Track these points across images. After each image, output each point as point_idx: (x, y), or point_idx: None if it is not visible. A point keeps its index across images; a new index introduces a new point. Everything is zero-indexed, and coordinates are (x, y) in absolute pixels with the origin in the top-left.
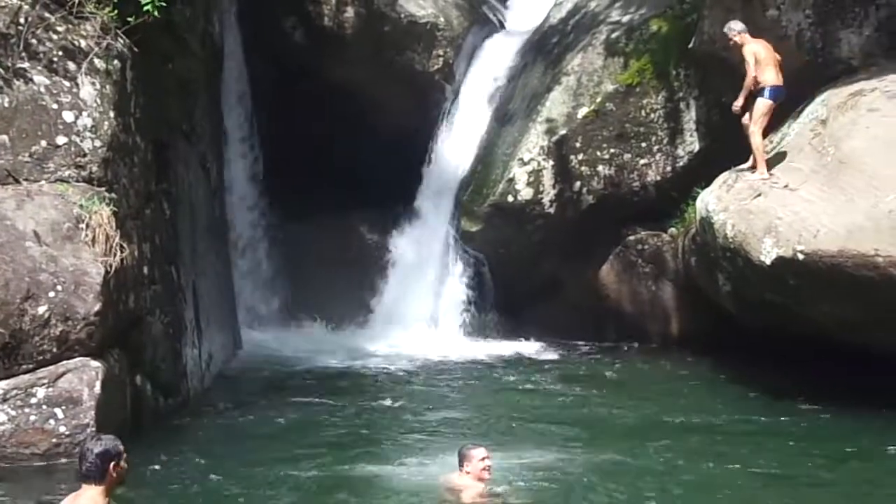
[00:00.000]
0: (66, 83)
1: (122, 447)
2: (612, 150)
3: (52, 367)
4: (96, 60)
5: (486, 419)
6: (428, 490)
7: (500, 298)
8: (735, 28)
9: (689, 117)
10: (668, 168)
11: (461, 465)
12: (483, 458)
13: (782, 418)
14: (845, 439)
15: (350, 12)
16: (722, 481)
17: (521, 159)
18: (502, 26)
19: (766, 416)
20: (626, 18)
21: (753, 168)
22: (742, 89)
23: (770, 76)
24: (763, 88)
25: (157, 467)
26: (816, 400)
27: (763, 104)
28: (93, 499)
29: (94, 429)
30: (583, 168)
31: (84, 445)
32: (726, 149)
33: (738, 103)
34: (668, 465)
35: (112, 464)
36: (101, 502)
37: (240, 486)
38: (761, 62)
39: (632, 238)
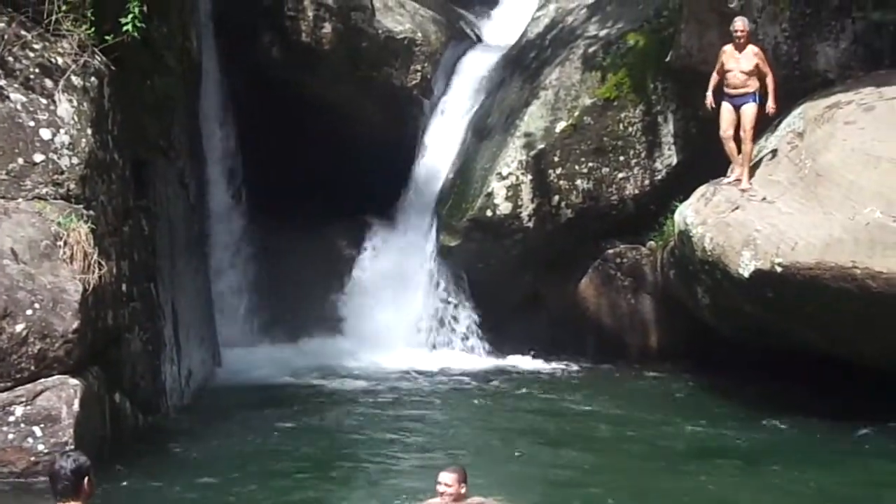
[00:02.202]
0: (44, 100)
1: (90, 462)
2: (590, 164)
3: (30, 385)
4: (73, 78)
5: (463, 436)
6: None
7: (480, 312)
8: (748, 25)
9: (667, 131)
10: (647, 181)
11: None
12: (440, 482)
13: (753, 434)
14: (820, 455)
15: (328, 28)
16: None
17: (500, 174)
18: (480, 41)
19: (733, 430)
20: (603, 33)
21: (738, 180)
22: (773, 92)
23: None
24: (754, 93)
25: (136, 485)
26: (791, 414)
27: (755, 109)
28: None
29: (72, 446)
30: (561, 182)
31: (55, 464)
32: (704, 162)
33: (771, 105)
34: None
35: (86, 479)
36: None
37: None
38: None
39: (611, 251)
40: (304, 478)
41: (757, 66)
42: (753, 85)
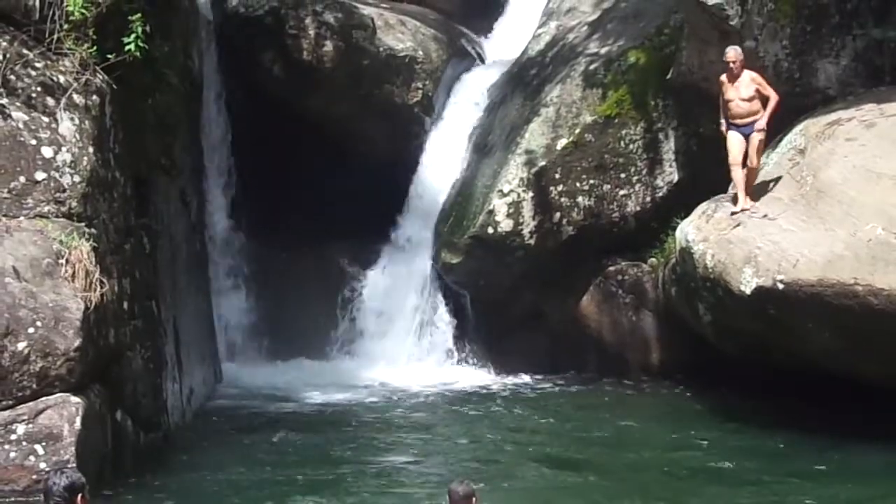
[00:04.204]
0: (45, 119)
1: (84, 480)
2: (591, 181)
3: (31, 404)
4: (75, 96)
5: (464, 454)
6: None
7: (481, 329)
8: (740, 53)
9: (668, 148)
10: (648, 198)
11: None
12: (471, 497)
13: (757, 451)
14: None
15: (329, 46)
16: None
17: (501, 191)
18: (481, 59)
19: (738, 447)
20: (604, 50)
21: (745, 210)
22: (769, 112)
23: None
24: (760, 119)
25: (137, 503)
26: (794, 430)
27: (762, 137)
28: None
29: (74, 464)
30: (562, 199)
31: (49, 480)
32: (705, 179)
33: (762, 124)
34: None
35: (79, 496)
36: None
37: None
38: None
39: (612, 268)
40: (304, 493)
41: (757, 90)
42: (758, 109)
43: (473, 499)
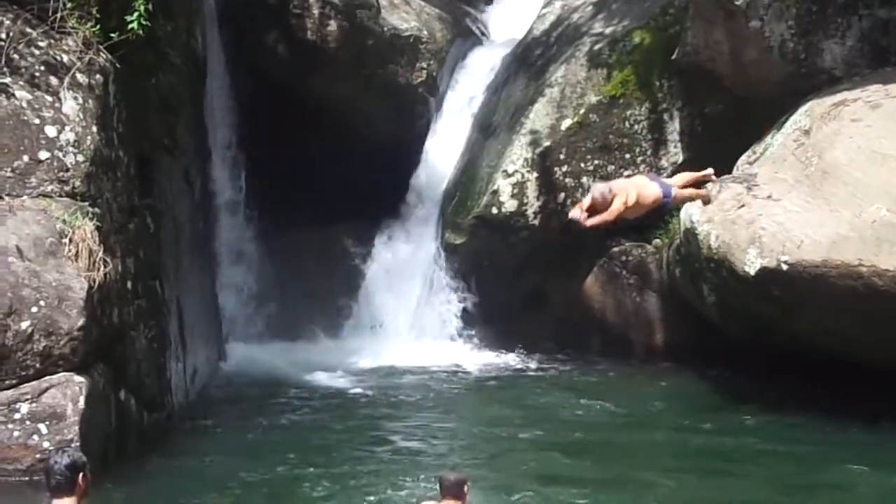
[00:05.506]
0: (49, 98)
1: (85, 459)
2: (595, 162)
3: (35, 383)
4: (78, 75)
5: (468, 436)
6: None
7: (486, 310)
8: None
9: (673, 128)
10: None
11: (441, 491)
12: (463, 484)
13: (765, 432)
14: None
15: (333, 26)
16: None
17: (506, 171)
18: (485, 39)
19: (747, 428)
20: (609, 30)
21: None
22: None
23: None
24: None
25: (140, 482)
26: (801, 410)
27: None
28: None
29: (78, 444)
30: (567, 180)
31: (50, 459)
32: (710, 159)
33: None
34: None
35: (80, 474)
36: None
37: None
38: None
39: (616, 249)
40: (306, 473)
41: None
42: None
43: (466, 486)
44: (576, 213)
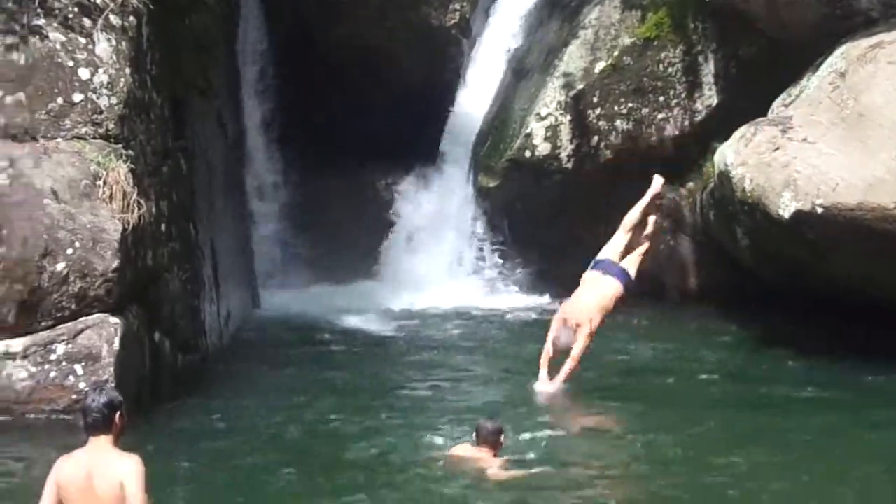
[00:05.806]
0: (82, 40)
1: (121, 398)
2: (629, 105)
3: (70, 324)
4: (112, 17)
5: (505, 379)
6: (439, 461)
7: (519, 254)
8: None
9: (708, 71)
10: (686, 122)
11: (478, 439)
12: (500, 433)
13: (811, 379)
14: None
15: None
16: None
17: (539, 114)
18: None
19: (791, 374)
20: None
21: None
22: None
23: None
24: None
25: (173, 423)
26: (832, 355)
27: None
28: (105, 448)
29: (113, 384)
30: (600, 123)
31: (87, 398)
32: (744, 102)
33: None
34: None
35: (117, 413)
36: (113, 451)
37: (255, 445)
38: None
39: None
40: (340, 415)
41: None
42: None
43: (502, 435)
44: (542, 386)
